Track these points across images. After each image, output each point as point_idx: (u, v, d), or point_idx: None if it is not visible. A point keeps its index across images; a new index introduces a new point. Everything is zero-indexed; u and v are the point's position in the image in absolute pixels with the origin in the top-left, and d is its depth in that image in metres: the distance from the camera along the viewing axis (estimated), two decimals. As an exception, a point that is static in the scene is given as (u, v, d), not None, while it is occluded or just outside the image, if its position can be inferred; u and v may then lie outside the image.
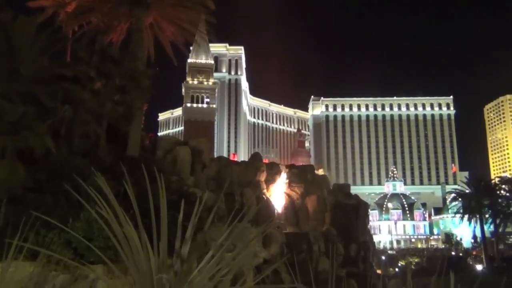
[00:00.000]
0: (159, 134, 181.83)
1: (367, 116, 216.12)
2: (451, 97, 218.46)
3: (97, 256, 3.74)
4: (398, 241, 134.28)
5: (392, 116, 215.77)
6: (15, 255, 3.54)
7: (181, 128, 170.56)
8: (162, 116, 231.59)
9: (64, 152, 20.42)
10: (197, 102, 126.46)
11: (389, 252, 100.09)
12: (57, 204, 16.55)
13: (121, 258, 3.13)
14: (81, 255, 13.58)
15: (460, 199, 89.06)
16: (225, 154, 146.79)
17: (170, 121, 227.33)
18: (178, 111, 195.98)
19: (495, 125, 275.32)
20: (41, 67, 21.52)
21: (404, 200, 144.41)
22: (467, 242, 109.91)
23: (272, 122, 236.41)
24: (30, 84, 20.12)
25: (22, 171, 17.91)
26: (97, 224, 13.40)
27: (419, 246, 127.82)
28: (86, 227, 14.40)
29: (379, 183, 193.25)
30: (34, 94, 20.20)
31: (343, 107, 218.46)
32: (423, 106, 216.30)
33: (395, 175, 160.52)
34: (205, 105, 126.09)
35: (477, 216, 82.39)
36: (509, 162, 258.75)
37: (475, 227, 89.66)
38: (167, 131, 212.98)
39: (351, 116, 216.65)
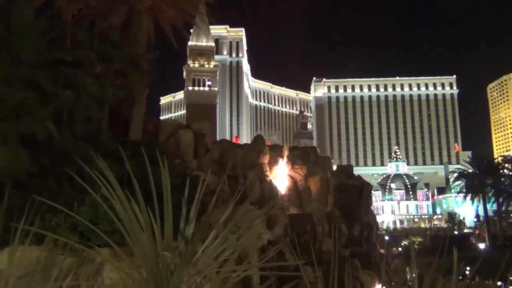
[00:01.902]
0: (161, 118, 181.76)
1: (370, 96, 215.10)
2: (454, 76, 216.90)
3: (103, 239, 3.77)
4: (401, 221, 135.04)
5: (394, 96, 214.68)
6: (21, 239, 3.57)
7: (183, 111, 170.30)
8: (164, 100, 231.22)
9: (66, 137, 20.46)
10: (199, 85, 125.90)
11: (382, 232, 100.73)
12: (61, 188, 16.66)
13: (126, 241, 3.16)
14: (87, 239, 13.73)
15: (463, 178, 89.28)
16: (227, 137, 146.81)
17: (172, 104, 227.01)
18: (179, 95, 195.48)
19: (498, 104, 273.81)
20: (41, 51, 21.39)
21: (407, 180, 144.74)
22: (470, 221, 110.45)
23: (274, 104, 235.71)
24: (31, 69, 20.04)
25: (25, 156, 17.97)
26: (102, 208, 13.50)
27: (422, 225, 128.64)
28: (92, 211, 14.52)
29: (382, 164, 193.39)
30: (35, 79, 20.13)
31: (345, 88, 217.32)
32: (426, 85, 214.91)
33: (398, 156, 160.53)
34: (206, 88, 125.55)
35: (480, 195, 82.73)
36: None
37: (478, 206, 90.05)
38: (169, 115, 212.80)
39: (354, 97, 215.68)
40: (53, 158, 18.56)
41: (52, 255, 4.48)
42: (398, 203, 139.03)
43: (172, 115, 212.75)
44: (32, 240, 4.71)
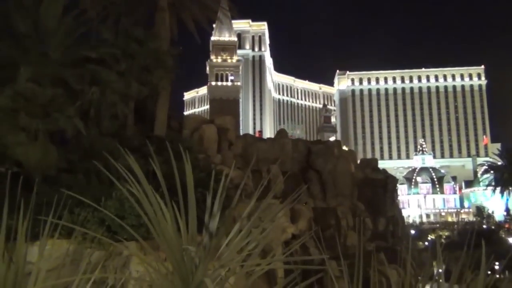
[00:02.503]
0: (185, 113, 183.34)
1: (394, 89, 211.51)
2: (483, 66, 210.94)
3: (129, 233, 3.84)
4: (427, 215, 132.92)
5: (420, 88, 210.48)
6: (51, 233, 3.67)
7: (207, 106, 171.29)
8: (187, 95, 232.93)
9: (93, 133, 20.90)
10: (222, 80, 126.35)
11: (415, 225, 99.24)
12: (89, 183, 17.04)
13: (152, 235, 3.21)
14: (114, 233, 13.99)
15: (492, 171, 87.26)
16: (250, 132, 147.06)
17: (196, 100, 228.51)
18: (203, 90, 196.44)
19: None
20: (68, 50, 21.84)
21: (433, 174, 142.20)
22: (499, 215, 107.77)
23: (297, 98, 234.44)
24: (58, 67, 20.50)
25: (54, 152, 18.45)
26: (128, 202, 13.73)
27: (449, 219, 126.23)
28: (118, 206, 14.79)
29: (408, 157, 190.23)
30: (62, 77, 20.59)
31: (369, 80, 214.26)
32: (453, 77, 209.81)
33: (424, 149, 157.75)
34: (229, 83, 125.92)
35: (510, 188, 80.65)
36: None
37: (508, 200, 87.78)
38: (193, 110, 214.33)
39: (378, 90, 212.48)
40: (81, 153, 19.00)
41: (81, 249, 4.59)
42: (425, 197, 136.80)
43: (196, 110, 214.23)
44: (62, 233, 4.83)
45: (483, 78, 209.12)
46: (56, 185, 14.92)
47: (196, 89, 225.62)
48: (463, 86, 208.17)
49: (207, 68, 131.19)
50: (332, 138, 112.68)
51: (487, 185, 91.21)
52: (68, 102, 19.73)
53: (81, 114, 20.70)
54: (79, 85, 21.29)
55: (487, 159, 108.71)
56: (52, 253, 4.01)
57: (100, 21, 29.40)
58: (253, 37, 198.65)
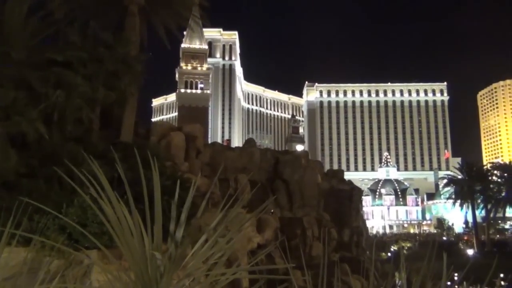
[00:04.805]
0: (153, 119, 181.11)
1: (361, 102, 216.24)
2: (445, 83, 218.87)
3: (91, 241, 3.74)
4: (390, 226, 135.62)
5: (386, 102, 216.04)
6: (8, 240, 3.53)
7: (175, 114, 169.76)
8: (155, 102, 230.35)
9: (56, 138, 20.29)
10: (191, 88, 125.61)
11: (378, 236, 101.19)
12: (50, 189, 16.51)
13: (115, 243, 3.13)
14: (76, 241, 13.59)
15: (452, 184, 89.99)
16: (219, 140, 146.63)
17: (164, 106, 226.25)
18: (172, 97, 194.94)
19: (488, 112, 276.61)
20: (32, 51, 21.23)
21: (397, 186, 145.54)
22: (459, 227, 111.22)
23: (266, 108, 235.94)
24: (21, 68, 19.88)
25: (14, 156, 17.79)
26: (91, 209, 13.39)
27: (412, 231, 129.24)
28: (80, 213, 14.40)
29: (373, 169, 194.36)
30: (26, 79, 19.97)
31: (337, 92, 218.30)
32: (417, 92, 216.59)
33: (388, 161, 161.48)
34: (199, 91, 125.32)
35: (469, 201, 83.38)
36: (501, 148, 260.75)
37: (466, 212, 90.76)
38: (161, 117, 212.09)
39: (345, 102, 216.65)
40: (42, 158, 18.39)
41: (40, 257, 4.43)
42: (388, 208, 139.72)
43: (164, 117, 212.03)
44: (19, 241, 4.65)
45: (445, 94, 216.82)
46: (15, 191, 14.39)
47: (165, 96, 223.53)
48: (426, 102, 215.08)
49: (177, 75, 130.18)
50: (300, 149, 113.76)
51: (448, 198, 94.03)
52: (30, 105, 19.13)
53: (44, 117, 20.08)
54: (43, 88, 20.69)
55: (448, 172, 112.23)
56: (9, 261, 3.86)
57: (68, 23, 28.77)
58: (223, 46, 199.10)
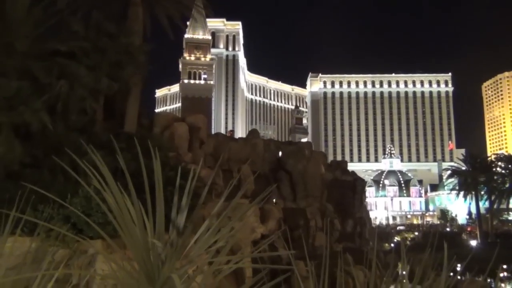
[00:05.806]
0: (156, 110, 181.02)
1: (365, 93, 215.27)
2: (450, 74, 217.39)
3: (96, 231, 3.75)
4: (394, 217, 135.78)
5: (390, 93, 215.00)
6: (12, 230, 3.54)
7: (179, 104, 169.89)
8: (159, 93, 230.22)
9: (60, 128, 20.34)
10: (194, 79, 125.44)
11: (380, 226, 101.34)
12: (54, 179, 16.59)
13: (119, 233, 3.14)
14: (80, 230, 13.70)
15: (456, 176, 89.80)
16: (222, 131, 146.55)
17: (168, 97, 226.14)
18: (175, 88, 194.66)
19: (492, 103, 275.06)
20: (36, 41, 21.21)
21: (400, 177, 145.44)
22: (462, 218, 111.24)
23: (270, 99, 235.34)
24: (25, 59, 19.88)
25: (18, 147, 17.88)
26: (95, 199, 13.45)
27: (415, 222, 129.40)
28: (85, 203, 14.48)
29: (376, 160, 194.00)
30: (29, 69, 19.98)
31: (341, 83, 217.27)
32: (422, 83, 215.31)
33: (392, 152, 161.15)
34: (202, 82, 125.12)
35: (473, 192, 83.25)
36: (505, 139, 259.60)
37: (470, 204, 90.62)
38: (165, 108, 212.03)
39: (349, 93, 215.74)
40: (46, 149, 18.46)
41: (44, 246, 4.46)
42: (391, 199, 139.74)
43: (167, 107, 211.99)
44: (24, 230, 4.67)
45: (450, 85, 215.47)
46: (19, 181, 14.46)
47: (168, 87, 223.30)
48: (431, 92, 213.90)
49: (180, 66, 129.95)
50: (303, 140, 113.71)
51: (451, 189, 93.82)
52: (34, 95, 19.16)
53: (48, 108, 20.11)
54: (47, 78, 20.70)
55: (452, 164, 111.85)
56: (13, 250, 3.88)
57: (71, 13, 28.68)
58: (227, 36, 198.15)
